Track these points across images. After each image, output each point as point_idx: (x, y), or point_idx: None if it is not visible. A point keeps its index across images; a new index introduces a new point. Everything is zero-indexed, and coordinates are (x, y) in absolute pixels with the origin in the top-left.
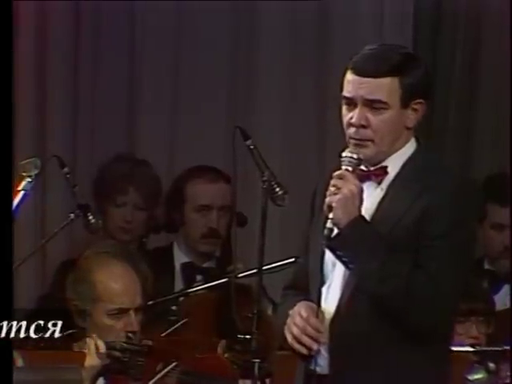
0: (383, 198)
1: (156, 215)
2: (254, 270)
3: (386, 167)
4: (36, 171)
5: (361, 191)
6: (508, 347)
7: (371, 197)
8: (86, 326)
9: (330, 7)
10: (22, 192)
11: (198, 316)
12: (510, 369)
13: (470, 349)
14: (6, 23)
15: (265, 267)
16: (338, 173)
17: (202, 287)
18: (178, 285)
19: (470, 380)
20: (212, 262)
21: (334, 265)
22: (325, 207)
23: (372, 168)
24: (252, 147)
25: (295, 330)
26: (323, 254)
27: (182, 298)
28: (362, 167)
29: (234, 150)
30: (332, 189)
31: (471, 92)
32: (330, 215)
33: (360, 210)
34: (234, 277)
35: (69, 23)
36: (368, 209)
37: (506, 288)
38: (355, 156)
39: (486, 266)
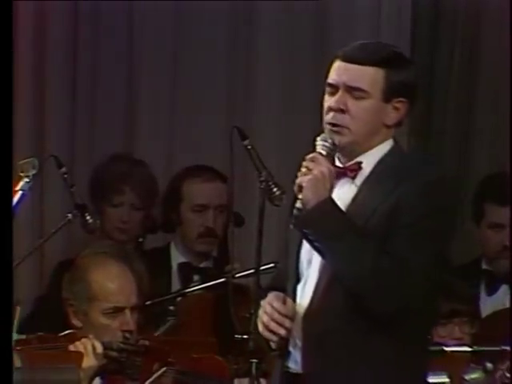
0: (357, 194)
1: (153, 215)
2: (252, 270)
3: (360, 163)
4: (34, 171)
5: (332, 174)
6: (506, 347)
7: (346, 193)
8: (83, 326)
9: (328, 5)
10: (20, 192)
11: (195, 316)
12: (510, 369)
13: (468, 349)
14: (6, 23)
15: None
16: (310, 156)
17: (199, 287)
18: (175, 285)
19: (466, 380)
20: (209, 261)
21: (309, 262)
22: (295, 188)
23: (347, 164)
24: (249, 147)
25: (265, 318)
26: (299, 251)
27: (179, 298)
28: (338, 164)
29: (232, 150)
30: (303, 169)
31: (470, 89)
32: (300, 196)
33: (330, 193)
34: (231, 277)
35: (68, 23)
36: (342, 205)
37: (503, 288)
38: (329, 140)
39: (484, 266)
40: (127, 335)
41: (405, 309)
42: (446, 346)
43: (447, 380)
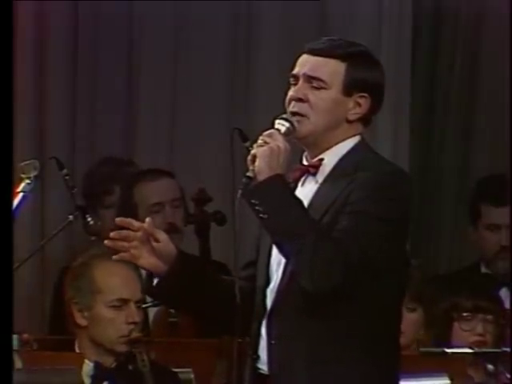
0: (318, 190)
1: None
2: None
3: (322, 159)
4: (35, 173)
5: (287, 151)
6: (507, 349)
7: (309, 191)
8: (88, 324)
9: (328, 6)
10: (21, 194)
11: None
12: (510, 371)
13: (469, 350)
14: (6, 23)
15: None
16: (267, 132)
17: None
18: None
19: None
20: None
21: (279, 265)
22: (249, 158)
23: (312, 160)
24: (250, 149)
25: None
26: (270, 254)
27: None
28: (304, 162)
29: (233, 151)
30: (260, 142)
31: (470, 93)
32: (251, 167)
33: (283, 170)
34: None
35: (68, 23)
36: (305, 202)
37: (503, 291)
38: (288, 119)
39: (483, 270)
40: (132, 327)
41: (338, 292)
42: (447, 347)
43: (448, 381)
